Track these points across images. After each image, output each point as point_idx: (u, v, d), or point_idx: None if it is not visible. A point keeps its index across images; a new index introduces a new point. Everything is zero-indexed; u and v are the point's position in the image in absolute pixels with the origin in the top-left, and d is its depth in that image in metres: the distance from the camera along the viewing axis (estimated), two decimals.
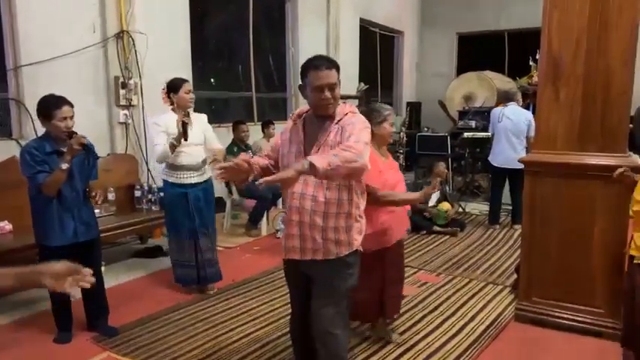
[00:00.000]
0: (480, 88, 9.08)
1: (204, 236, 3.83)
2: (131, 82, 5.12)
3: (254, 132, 6.16)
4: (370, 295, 2.96)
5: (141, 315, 3.52)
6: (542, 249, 3.29)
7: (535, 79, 7.62)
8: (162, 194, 4.25)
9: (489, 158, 6.04)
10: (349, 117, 2.19)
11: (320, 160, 1.90)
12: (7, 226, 3.88)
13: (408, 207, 3.14)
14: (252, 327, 3.37)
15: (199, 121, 3.81)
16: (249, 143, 5.87)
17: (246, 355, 3.02)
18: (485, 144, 7.16)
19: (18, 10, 4.30)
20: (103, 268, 3.70)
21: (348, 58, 8.73)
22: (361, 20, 9.29)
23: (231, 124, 5.85)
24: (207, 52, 6.86)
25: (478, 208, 6.94)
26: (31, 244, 3.13)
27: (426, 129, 9.71)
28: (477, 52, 10.78)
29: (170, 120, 3.62)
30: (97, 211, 3.49)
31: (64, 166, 2.87)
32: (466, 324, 3.42)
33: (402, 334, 3.24)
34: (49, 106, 2.91)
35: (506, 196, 6.02)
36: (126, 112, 5.16)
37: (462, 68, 10.67)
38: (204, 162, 3.81)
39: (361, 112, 2.91)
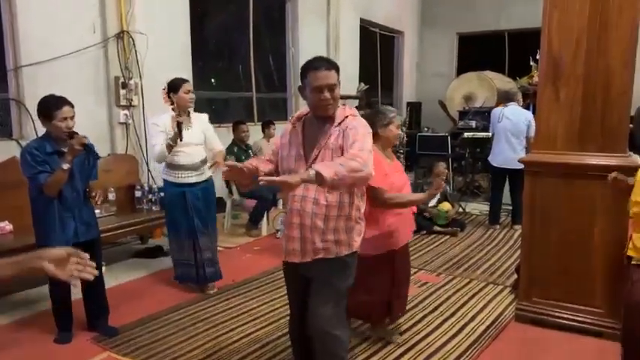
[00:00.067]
0: (480, 88, 9.08)
1: (203, 235, 3.84)
2: (131, 82, 5.13)
3: (254, 132, 6.16)
4: (379, 297, 2.97)
5: (141, 315, 3.52)
6: (542, 249, 3.29)
7: (536, 79, 7.62)
8: (162, 194, 4.27)
9: (489, 158, 6.05)
10: (350, 120, 2.18)
11: (327, 169, 1.88)
12: (7, 226, 3.89)
13: (414, 209, 3.14)
14: (252, 327, 3.37)
15: (200, 121, 3.81)
16: (249, 143, 5.88)
17: (246, 355, 3.02)
18: (486, 144, 7.17)
19: (18, 10, 4.31)
20: (103, 269, 3.71)
21: (348, 58, 8.74)
22: (361, 20, 9.29)
23: (231, 125, 5.86)
24: (208, 52, 6.87)
25: (478, 208, 6.94)
26: (32, 244, 3.13)
27: (426, 129, 9.71)
28: (477, 52, 10.78)
29: (169, 120, 3.63)
30: (97, 211, 3.50)
31: (65, 166, 2.88)
32: (466, 324, 3.42)
33: (402, 334, 3.24)
34: (50, 106, 2.91)
35: (506, 196, 6.03)
36: (126, 112, 5.16)
37: (462, 68, 10.67)
38: (203, 162, 3.81)
39: (366, 115, 2.92)
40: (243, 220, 5.93)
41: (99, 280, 3.30)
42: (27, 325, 3.40)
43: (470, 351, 3.05)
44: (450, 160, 7.61)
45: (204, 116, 3.90)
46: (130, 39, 5.10)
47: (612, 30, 2.98)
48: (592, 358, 2.98)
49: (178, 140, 3.55)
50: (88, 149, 3.01)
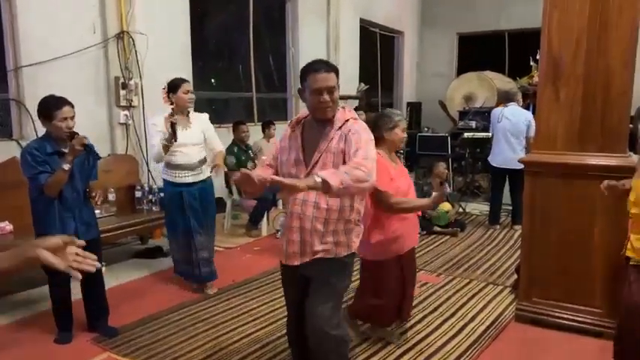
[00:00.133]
0: (480, 89, 9.07)
1: (199, 235, 3.85)
2: (131, 82, 5.13)
3: (254, 132, 6.16)
4: (388, 300, 2.97)
5: (141, 315, 3.52)
6: (542, 249, 3.29)
7: (536, 79, 7.61)
8: (162, 194, 4.29)
9: (489, 159, 6.05)
10: (352, 123, 2.18)
11: (333, 177, 1.87)
12: (7, 226, 3.89)
13: (419, 212, 3.15)
14: (252, 327, 3.37)
15: (200, 121, 3.81)
16: (249, 144, 5.88)
17: (246, 355, 3.02)
18: (486, 144, 7.17)
19: (18, 10, 4.31)
20: (103, 269, 3.71)
21: (348, 58, 8.74)
22: (361, 20, 9.29)
23: (231, 125, 5.85)
24: (208, 52, 6.87)
25: (478, 208, 6.94)
26: None
27: (426, 129, 9.71)
28: (477, 52, 10.78)
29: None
30: (97, 211, 3.50)
31: (66, 166, 2.88)
32: (466, 324, 3.42)
33: (402, 334, 3.24)
34: (50, 106, 2.91)
35: (506, 196, 6.03)
36: (126, 112, 5.16)
37: (462, 68, 10.67)
38: (201, 162, 3.81)
39: (372, 118, 2.92)
40: (243, 221, 5.93)
41: (99, 280, 3.30)
42: (27, 326, 3.40)
43: (470, 351, 3.05)
44: (450, 160, 7.60)
45: (205, 116, 3.90)
46: (130, 39, 5.10)
47: (612, 30, 2.98)
48: (592, 358, 2.98)
49: (174, 140, 3.55)
50: (89, 150, 3.01)
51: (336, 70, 2.16)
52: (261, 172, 2.22)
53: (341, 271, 2.29)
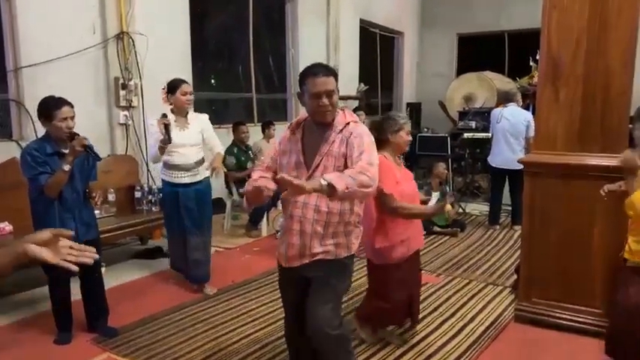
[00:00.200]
0: (479, 89, 9.07)
1: (193, 236, 3.85)
2: (131, 83, 5.13)
3: (254, 133, 6.16)
4: (398, 302, 2.97)
5: (141, 316, 3.52)
6: (541, 250, 3.29)
7: (536, 79, 7.61)
8: (162, 194, 4.29)
9: (488, 159, 6.05)
10: (352, 127, 2.17)
11: (339, 181, 1.88)
12: (7, 227, 3.88)
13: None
14: (252, 328, 3.37)
15: (199, 121, 3.81)
16: (249, 144, 5.88)
17: (246, 356, 3.02)
18: (485, 144, 7.17)
19: (18, 11, 4.31)
20: (103, 269, 3.71)
21: (348, 58, 8.74)
22: (361, 21, 9.29)
23: (231, 125, 5.85)
24: (207, 52, 6.87)
25: (478, 208, 6.95)
26: None
27: (426, 129, 9.70)
28: (477, 52, 10.78)
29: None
30: (97, 212, 3.51)
31: (66, 167, 2.88)
32: (466, 325, 3.42)
33: (401, 334, 3.24)
34: (50, 107, 2.92)
35: (506, 196, 6.03)
36: (126, 113, 5.17)
37: (462, 69, 10.67)
38: (198, 163, 3.81)
39: (377, 121, 2.92)
40: (243, 221, 5.93)
41: (98, 281, 3.31)
42: (28, 326, 3.40)
43: (469, 351, 3.05)
44: (449, 160, 7.60)
45: (204, 116, 3.90)
46: (130, 40, 5.10)
47: (612, 30, 2.98)
48: (591, 359, 2.98)
49: (168, 142, 3.55)
50: (89, 151, 3.01)
51: (335, 74, 2.16)
52: (265, 183, 2.20)
53: (341, 272, 2.29)
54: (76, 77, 4.71)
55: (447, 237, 5.63)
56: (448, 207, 2.70)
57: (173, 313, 3.58)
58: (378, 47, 10.23)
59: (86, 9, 4.79)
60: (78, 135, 2.93)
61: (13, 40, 4.36)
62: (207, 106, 6.57)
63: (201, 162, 3.83)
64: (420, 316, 3.53)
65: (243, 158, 5.66)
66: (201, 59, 6.51)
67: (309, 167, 2.18)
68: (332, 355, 2.30)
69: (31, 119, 4.26)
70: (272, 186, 2.20)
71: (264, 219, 5.67)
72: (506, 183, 5.94)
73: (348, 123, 2.18)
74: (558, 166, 3.17)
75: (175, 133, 3.62)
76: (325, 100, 2.11)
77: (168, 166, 3.76)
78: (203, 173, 3.85)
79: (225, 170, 4.87)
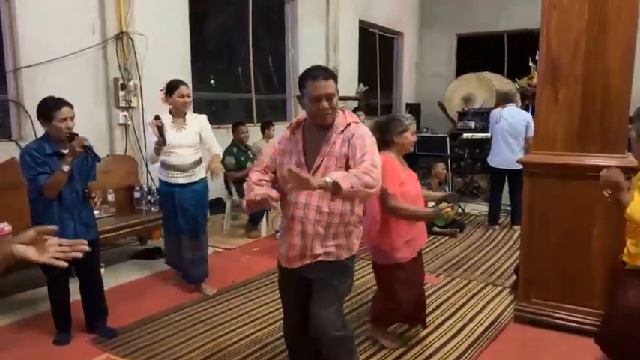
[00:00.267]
0: (479, 89, 9.08)
1: (189, 237, 3.86)
2: (130, 83, 5.13)
3: (253, 133, 6.16)
4: (405, 301, 2.97)
5: (140, 316, 3.52)
6: (541, 250, 3.29)
7: (535, 80, 7.62)
8: (159, 194, 4.33)
9: (488, 159, 6.06)
10: (354, 128, 2.18)
11: (344, 180, 1.89)
12: (6, 227, 3.88)
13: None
14: (251, 328, 3.37)
15: (197, 122, 3.81)
16: (248, 144, 5.88)
17: (245, 356, 3.02)
18: (485, 145, 7.17)
19: (18, 12, 4.31)
20: (102, 270, 3.71)
21: (348, 59, 8.74)
22: (361, 21, 9.29)
23: (230, 126, 5.86)
24: (207, 53, 6.87)
25: (478, 208, 6.95)
26: None
27: (425, 130, 9.69)
28: (476, 53, 10.79)
29: (164, 121, 3.63)
30: (96, 212, 3.50)
31: (66, 168, 2.88)
32: (465, 325, 3.42)
33: (401, 334, 3.24)
34: (49, 107, 2.92)
35: (505, 197, 6.03)
36: (125, 113, 5.17)
37: (461, 69, 10.67)
38: (195, 164, 3.80)
39: (382, 122, 2.92)
40: (242, 221, 5.93)
41: (97, 281, 3.31)
42: (27, 326, 3.40)
43: (469, 351, 3.06)
44: (449, 161, 7.60)
45: (203, 117, 3.90)
46: (130, 40, 5.10)
47: (611, 31, 2.99)
48: (590, 359, 2.98)
49: (163, 143, 3.55)
50: (89, 151, 3.01)
51: (334, 77, 2.15)
52: (268, 192, 2.19)
53: (342, 273, 2.29)
54: (76, 78, 4.70)
55: (447, 237, 5.64)
56: (447, 209, 2.69)
57: (173, 314, 3.58)
58: (377, 48, 10.23)
59: (86, 9, 4.79)
60: (77, 135, 2.93)
61: (13, 41, 4.36)
62: (207, 106, 6.57)
63: (198, 163, 3.83)
64: None
65: (242, 158, 5.66)
66: (201, 60, 6.51)
67: (310, 168, 2.18)
68: (336, 355, 2.30)
69: (31, 119, 4.26)
70: (275, 195, 2.18)
71: (264, 219, 5.67)
72: (506, 183, 5.94)
73: (350, 124, 2.18)
74: (557, 167, 3.17)
75: (172, 134, 3.63)
76: (325, 104, 2.11)
77: (165, 167, 3.77)
78: (200, 174, 3.85)
79: (225, 170, 4.87)
